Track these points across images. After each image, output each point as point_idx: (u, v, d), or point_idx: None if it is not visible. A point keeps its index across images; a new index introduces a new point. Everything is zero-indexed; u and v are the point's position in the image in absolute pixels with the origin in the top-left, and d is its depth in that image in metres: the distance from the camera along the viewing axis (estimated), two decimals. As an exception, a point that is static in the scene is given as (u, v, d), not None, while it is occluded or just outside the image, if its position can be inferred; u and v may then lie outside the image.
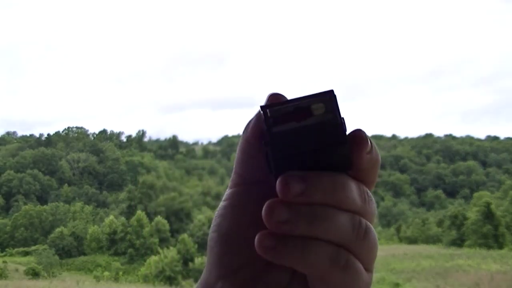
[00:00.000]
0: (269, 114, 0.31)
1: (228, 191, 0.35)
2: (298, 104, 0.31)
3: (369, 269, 0.33)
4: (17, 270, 31.32)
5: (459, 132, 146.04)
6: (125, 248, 42.39)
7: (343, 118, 0.31)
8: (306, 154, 0.31)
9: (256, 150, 0.33)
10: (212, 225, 0.34)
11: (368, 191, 0.34)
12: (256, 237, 0.31)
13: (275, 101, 0.32)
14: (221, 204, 0.35)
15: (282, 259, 0.31)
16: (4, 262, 32.38)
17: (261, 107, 0.31)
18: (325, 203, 0.31)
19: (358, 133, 0.32)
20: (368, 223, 0.33)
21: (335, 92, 0.31)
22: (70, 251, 42.61)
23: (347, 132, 0.32)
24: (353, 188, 0.33)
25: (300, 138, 0.30)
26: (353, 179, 0.33)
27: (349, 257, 0.32)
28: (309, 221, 0.30)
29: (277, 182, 0.31)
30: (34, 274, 29.00)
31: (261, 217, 0.31)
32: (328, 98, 0.31)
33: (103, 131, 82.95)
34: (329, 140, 0.31)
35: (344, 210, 0.32)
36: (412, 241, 45.51)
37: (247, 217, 0.33)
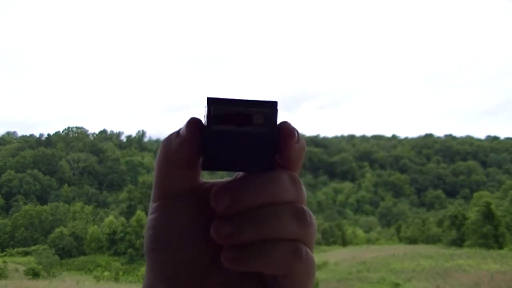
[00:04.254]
0: (212, 112, 0.33)
1: (154, 205, 0.36)
2: (241, 110, 0.33)
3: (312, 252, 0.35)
4: (17, 270, 31.32)
5: (459, 132, 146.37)
6: (125, 248, 42.40)
7: (278, 132, 0.34)
8: (237, 157, 0.33)
9: (178, 162, 0.35)
10: (147, 237, 0.36)
11: (297, 176, 0.36)
12: (222, 254, 0.33)
13: (196, 124, 0.34)
14: (151, 216, 0.36)
15: (249, 266, 0.33)
16: (4, 262, 32.37)
17: (210, 100, 0.33)
18: (263, 202, 0.33)
19: (286, 125, 0.34)
20: (306, 207, 0.35)
21: (278, 106, 0.33)
22: (70, 251, 42.61)
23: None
24: (285, 178, 0.35)
25: (234, 142, 0.33)
26: (282, 170, 0.35)
27: (304, 247, 0.34)
28: (255, 226, 0.33)
29: (210, 196, 0.34)
30: (34, 274, 28.97)
31: (192, 225, 0.36)
32: (269, 112, 0.33)
33: (103, 131, 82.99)
34: (257, 150, 0.33)
35: (284, 203, 0.34)
36: (412, 241, 45.49)
37: (179, 227, 0.35)
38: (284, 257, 0.33)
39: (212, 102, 0.33)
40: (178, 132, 0.35)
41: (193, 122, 0.34)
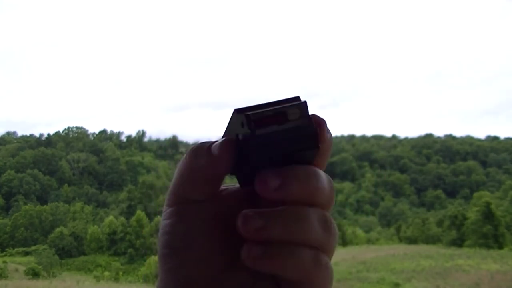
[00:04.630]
0: (251, 118, 0.32)
1: (169, 209, 0.36)
2: (277, 109, 0.32)
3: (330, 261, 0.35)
4: (17, 270, 31.32)
5: (459, 132, 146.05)
6: (125, 248, 42.41)
7: (314, 122, 0.33)
8: (282, 155, 0.32)
9: (205, 176, 0.34)
10: (162, 242, 0.35)
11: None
12: (243, 248, 0.32)
13: (231, 144, 0.33)
14: (166, 222, 0.36)
15: (270, 266, 0.32)
16: (4, 262, 32.40)
17: (239, 110, 0.33)
18: (301, 197, 0.32)
19: (316, 116, 0.34)
20: (329, 214, 0.34)
21: (303, 98, 0.33)
22: (70, 251, 42.62)
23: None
24: (323, 176, 0.34)
25: (279, 141, 0.32)
26: (319, 168, 0.34)
27: (325, 256, 0.33)
28: (285, 225, 0.32)
29: (255, 180, 0.32)
30: (34, 274, 28.97)
31: (208, 231, 0.35)
32: (303, 104, 0.32)
33: (103, 131, 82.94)
34: (303, 144, 0.33)
35: (314, 206, 0.33)
36: (412, 241, 45.47)
37: (194, 234, 0.34)
38: (305, 263, 0.32)
39: (244, 111, 0.32)
40: (209, 148, 0.34)
41: (229, 142, 0.33)
